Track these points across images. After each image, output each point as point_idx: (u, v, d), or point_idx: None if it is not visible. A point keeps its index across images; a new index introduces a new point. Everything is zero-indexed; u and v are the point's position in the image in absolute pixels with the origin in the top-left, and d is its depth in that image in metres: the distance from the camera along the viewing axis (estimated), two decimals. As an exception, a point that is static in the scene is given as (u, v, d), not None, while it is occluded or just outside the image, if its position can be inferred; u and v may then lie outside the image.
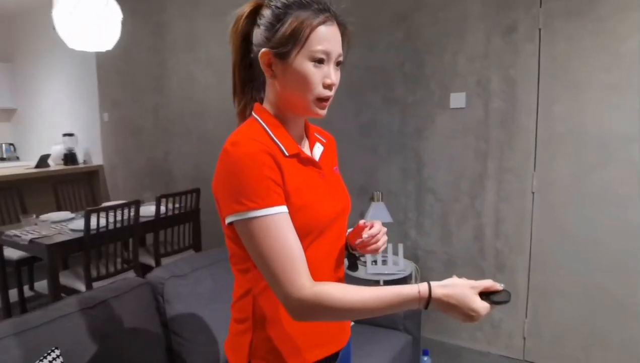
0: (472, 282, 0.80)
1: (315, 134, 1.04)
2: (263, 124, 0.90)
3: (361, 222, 1.03)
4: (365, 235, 0.99)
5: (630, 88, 2.21)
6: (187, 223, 3.36)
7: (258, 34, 0.89)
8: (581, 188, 2.38)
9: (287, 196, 0.85)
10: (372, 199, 2.71)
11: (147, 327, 1.62)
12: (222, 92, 3.69)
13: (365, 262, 2.68)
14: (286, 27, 0.85)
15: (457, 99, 2.66)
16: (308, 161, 0.93)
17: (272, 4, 0.88)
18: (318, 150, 1.01)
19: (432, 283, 0.79)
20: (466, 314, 0.78)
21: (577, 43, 2.31)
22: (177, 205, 3.31)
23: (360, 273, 2.61)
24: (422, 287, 0.79)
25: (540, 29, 2.39)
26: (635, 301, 2.28)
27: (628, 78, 2.21)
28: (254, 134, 0.86)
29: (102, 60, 4.45)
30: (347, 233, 1.08)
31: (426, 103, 2.77)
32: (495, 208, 2.62)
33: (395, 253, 2.73)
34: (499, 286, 0.80)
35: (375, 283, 2.54)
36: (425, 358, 2.27)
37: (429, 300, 0.78)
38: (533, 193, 2.52)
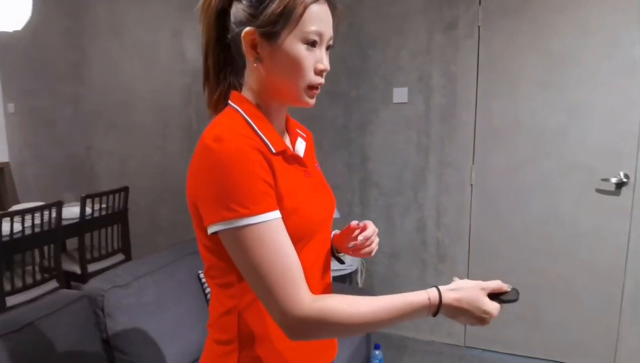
0: (482, 283, 0.77)
1: (296, 129, 0.95)
2: (245, 115, 0.79)
3: (353, 223, 0.96)
4: (360, 237, 0.93)
5: (561, 85, 2.37)
6: (114, 225, 3.08)
7: (239, 10, 0.78)
8: (516, 180, 2.52)
9: (279, 199, 0.75)
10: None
11: (86, 347, 1.44)
12: (152, 81, 3.43)
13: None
14: (277, 3, 0.74)
15: (400, 94, 2.68)
16: (294, 159, 0.84)
17: None
18: (301, 146, 0.91)
19: (441, 287, 0.75)
20: (478, 317, 0.75)
21: (514, 41, 2.42)
22: (103, 206, 3.03)
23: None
24: (432, 293, 0.74)
25: (479, 27, 2.48)
26: (565, 282, 2.46)
27: (559, 76, 2.37)
28: (238, 127, 0.75)
29: (5, 43, 3.94)
30: (332, 235, 1.01)
31: (370, 98, 2.77)
32: (437, 200, 2.69)
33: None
34: (506, 287, 0.78)
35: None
36: (377, 352, 2.29)
37: (439, 307, 0.73)
38: (472, 185, 2.62)
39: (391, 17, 2.65)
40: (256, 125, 0.78)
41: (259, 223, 0.70)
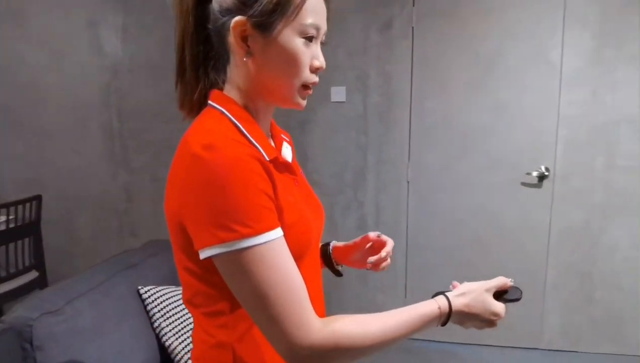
0: (486, 284, 0.77)
1: (281, 134, 0.88)
2: (232, 118, 0.70)
3: (372, 234, 0.93)
4: (383, 253, 0.90)
5: (489, 86, 2.51)
6: (25, 239, 2.74)
7: None
8: (449, 175, 2.64)
9: (279, 213, 0.67)
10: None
11: (14, 388, 1.25)
12: (64, 77, 3.09)
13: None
14: None
15: (338, 93, 2.68)
16: (284, 167, 0.76)
17: None
18: (288, 152, 0.84)
19: (449, 294, 0.73)
20: (487, 320, 0.75)
21: (445, 43, 2.52)
22: (11, 217, 2.68)
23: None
24: (441, 302, 0.72)
25: (413, 27, 2.55)
26: (495, 270, 2.62)
27: (487, 77, 2.51)
28: (230, 133, 0.67)
29: None
30: (331, 247, 0.97)
31: (309, 96, 2.72)
32: (376, 198, 2.74)
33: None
34: (509, 282, 0.78)
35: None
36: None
37: (449, 315, 0.72)
38: (408, 182, 2.70)
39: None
40: (246, 130, 0.70)
41: (262, 243, 0.62)
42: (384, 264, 0.94)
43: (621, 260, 2.55)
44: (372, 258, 0.93)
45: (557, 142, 2.51)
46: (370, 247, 0.98)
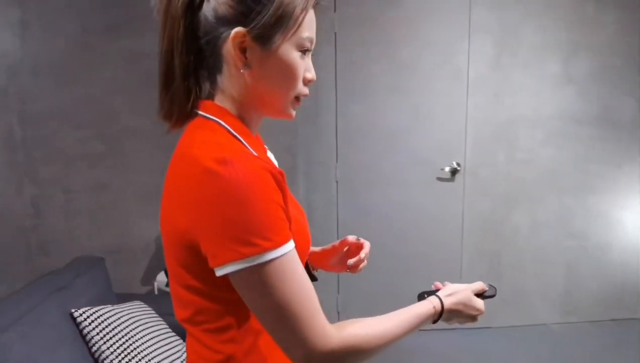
0: (470, 286, 0.85)
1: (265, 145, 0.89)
2: (232, 130, 0.69)
3: (350, 238, 0.96)
4: (362, 255, 0.93)
5: (407, 90, 2.70)
6: None
7: (223, 6, 0.67)
8: (374, 174, 2.79)
9: (289, 223, 0.67)
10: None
11: None
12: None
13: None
14: (276, 4, 0.66)
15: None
16: (282, 177, 0.76)
17: None
18: (275, 162, 0.84)
19: (440, 295, 0.80)
20: (471, 315, 0.82)
21: (367, 48, 2.66)
22: None
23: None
24: (435, 302, 0.79)
25: (335, 33, 2.65)
26: (417, 259, 2.85)
27: (405, 81, 2.70)
28: (236, 145, 0.66)
29: None
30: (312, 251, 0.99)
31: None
32: (308, 199, 2.80)
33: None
34: (486, 286, 0.87)
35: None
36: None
37: (441, 313, 0.79)
38: (337, 182, 2.81)
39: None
40: (246, 142, 0.69)
41: (282, 255, 0.62)
42: (361, 265, 0.99)
43: (523, 242, 2.91)
44: (351, 261, 0.97)
45: (466, 140, 2.78)
46: (347, 250, 1.02)
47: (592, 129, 2.82)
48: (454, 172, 2.80)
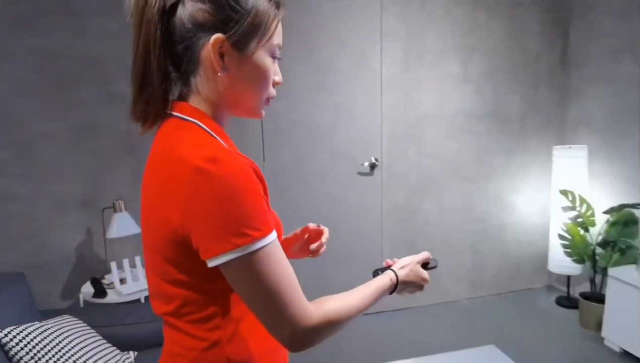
0: (416, 258, 0.95)
1: None
2: (210, 131, 0.73)
3: (311, 225, 1.03)
4: (324, 239, 1.00)
5: (328, 89, 2.84)
6: None
7: (201, 12, 0.70)
8: (301, 170, 2.89)
9: None
10: (113, 210, 2.37)
11: None
12: None
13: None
14: (253, 14, 0.71)
15: (188, 97, 2.65)
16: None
17: None
18: None
19: (394, 269, 0.90)
20: (419, 284, 0.94)
21: (290, 49, 2.74)
22: None
23: (113, 297, 2.28)
24: (391, 275, 0.89)
25: (258, 35, 2.69)
26: (344, 250, 3.01)
27: (326, 81, 2.83)
28: (219, 145, 0.70)
29: None
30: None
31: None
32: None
33: (134, 266, 2.54)
34: (430, 256, 0.99)
35: (135, 302, 2.29)
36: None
37: (396, 285, 0.89)
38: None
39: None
40: (224, 142, 0.73)
41: (269, 243, 0.68)
42: (322, 250, 1.07)
43: (433, 227, 3.21)
44: (314, 246, 1.05)
45: (382, 137, 3.00)
46: (307, 237, 1.10)
47: (487, 123, 3.21)
48: (372, 166, 3.01)
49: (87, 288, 2.35)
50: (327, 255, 2.95)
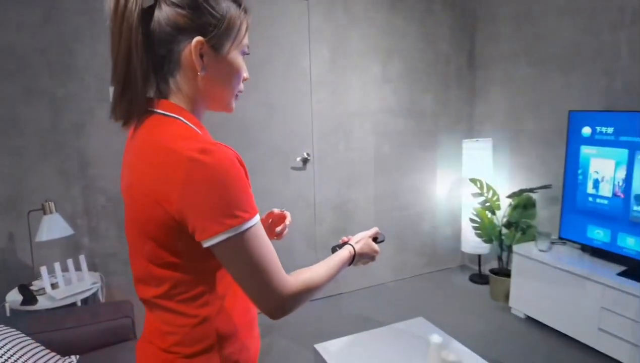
0: (368, 233, 1.09)
1: None
2: (193, 126, 0.80)
3: (275, 210, 1.13)
4: (287, 222, 1.11)
5: (262, 87, 2.92)
6: None
7: (179, 17, 0.76)
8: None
9: None
10: (43, 212, 2.25)
11: None
12: None
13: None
14: (229, 17, 0.79)
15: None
16: None
17: None
18: None
19: (351, 243, 1.03)
20: (372, 256, 1.07)
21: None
22: None
23: (44, 303, 2.18)
24: (349, 248, 1.02)
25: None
26: (282, 241, 3.11)
27: (261, 79, 2.91)
28: (204, 137, 0.77)
29: None
30: None
31: (82, 96, 2.52)
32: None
33: (78, 268, 2.44)
34: (379, 230, 1.14)
35: (71, 306, 2.21)
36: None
37: (354, 257, 1.02)
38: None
39: (96, 10, 2.49)
40: (203, 135, 0.80)
41: (256, 223, 0.76)
42: (285, 232, 1.19)
43: (361, 215, 3.43)
44: (279, 228, 1.17)
45: (313, 132, 3.15)
46: (271, 221, 1.20)
47: (404, 120, 3.50)
48: (305, 161, 3.15)
49: (14, 297, 2.21)
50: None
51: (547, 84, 3.08)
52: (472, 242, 3.55)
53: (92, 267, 2.63)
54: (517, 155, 3.38)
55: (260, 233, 0.77)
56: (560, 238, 2.88)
